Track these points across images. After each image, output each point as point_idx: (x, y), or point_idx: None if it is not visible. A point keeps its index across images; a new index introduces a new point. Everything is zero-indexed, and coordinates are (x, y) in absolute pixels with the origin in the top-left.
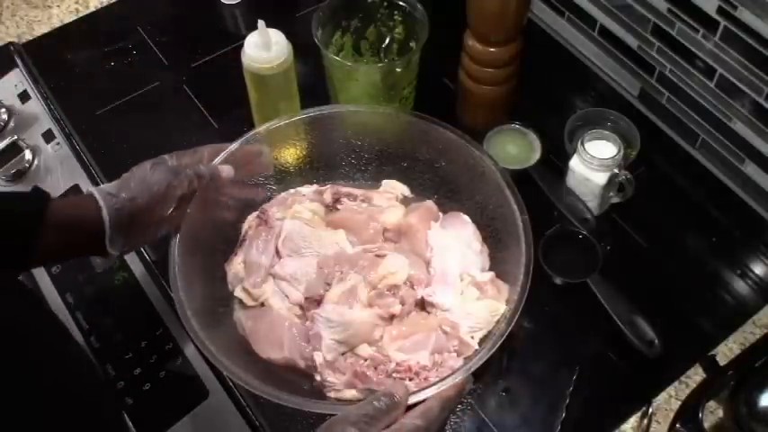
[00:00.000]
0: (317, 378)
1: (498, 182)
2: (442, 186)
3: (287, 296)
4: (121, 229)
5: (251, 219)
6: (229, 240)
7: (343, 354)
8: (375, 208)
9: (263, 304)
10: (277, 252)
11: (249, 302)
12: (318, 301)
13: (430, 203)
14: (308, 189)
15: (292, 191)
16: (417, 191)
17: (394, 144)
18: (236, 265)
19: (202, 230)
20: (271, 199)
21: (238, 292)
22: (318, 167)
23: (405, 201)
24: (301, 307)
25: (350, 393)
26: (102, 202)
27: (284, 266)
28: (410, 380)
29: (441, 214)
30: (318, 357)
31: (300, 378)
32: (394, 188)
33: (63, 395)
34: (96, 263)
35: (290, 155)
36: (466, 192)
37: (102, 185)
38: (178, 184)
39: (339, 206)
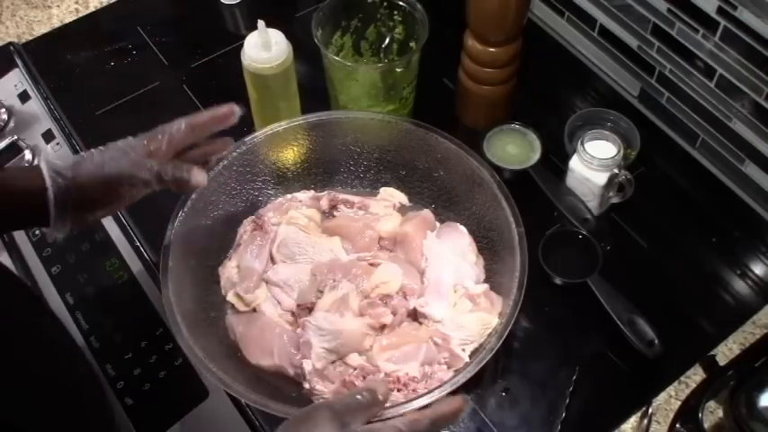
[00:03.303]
0: (306, 386)
1: (495, 193)
2: (440, 196)
3: (279, 302)
4: (66, 210)
5: (247, 223)
6: (224, 245)
7: (332, 362)
8: (372, 216)
9: (255, 309)
10: (271, 257)
11: (241, 307)
12: (310, 309)
13: (427, 213)
14: (304, 195)
15: (289, 196)
16: (415, 199)
17: (393, 152)
18: (229, 270)
19: (196, 234)
20: (267, 203)
21: (231, 297)
22: (316, 173)
23: (402, 209)
24: (293, 314)
25: None
26: (48, 182)
27: (277, 272)
28: (398, 391)
29: (438, 224)
30: (308, 365)
31: (289, 385)
32: (392, 196)
33: (49, 384)
34: (48, 234)
35: (288, 159)
36: (463, 202)
37: (54, 160)
38: (133, 181)
39: (336, 213)
